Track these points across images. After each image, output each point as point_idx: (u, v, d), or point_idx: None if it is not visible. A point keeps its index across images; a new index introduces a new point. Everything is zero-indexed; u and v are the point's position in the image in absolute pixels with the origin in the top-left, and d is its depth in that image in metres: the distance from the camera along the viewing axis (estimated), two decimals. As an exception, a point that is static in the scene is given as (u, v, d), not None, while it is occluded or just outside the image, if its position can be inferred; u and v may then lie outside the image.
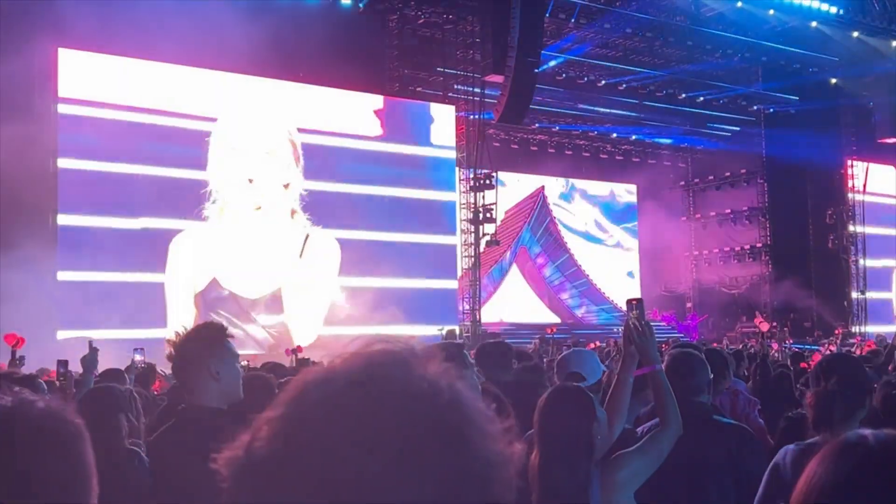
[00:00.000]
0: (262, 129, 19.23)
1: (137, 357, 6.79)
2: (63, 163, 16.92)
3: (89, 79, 17.18)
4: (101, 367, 5.85)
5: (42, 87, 16.86)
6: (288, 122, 19.52)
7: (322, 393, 0.85)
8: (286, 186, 19.32)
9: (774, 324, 22.62)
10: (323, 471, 0.80)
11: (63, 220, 16.86)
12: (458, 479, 0.82)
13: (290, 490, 0.81)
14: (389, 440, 0.81)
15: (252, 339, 18.07)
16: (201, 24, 15.66)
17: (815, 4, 23.15)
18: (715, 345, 12.57)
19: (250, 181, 18.85)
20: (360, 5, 19.69)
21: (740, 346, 14.24)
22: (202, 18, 15.63)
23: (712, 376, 3.89)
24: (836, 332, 21.20)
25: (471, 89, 21.44)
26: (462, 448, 0.83)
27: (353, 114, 20.27)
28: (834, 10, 23.53)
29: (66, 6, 15.60)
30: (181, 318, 16.60)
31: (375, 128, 20.55)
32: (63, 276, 16.42)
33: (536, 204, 28.28)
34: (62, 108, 17.01)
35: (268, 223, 19.11)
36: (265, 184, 19.06)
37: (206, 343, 2.93)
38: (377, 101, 20.75)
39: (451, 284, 21.76)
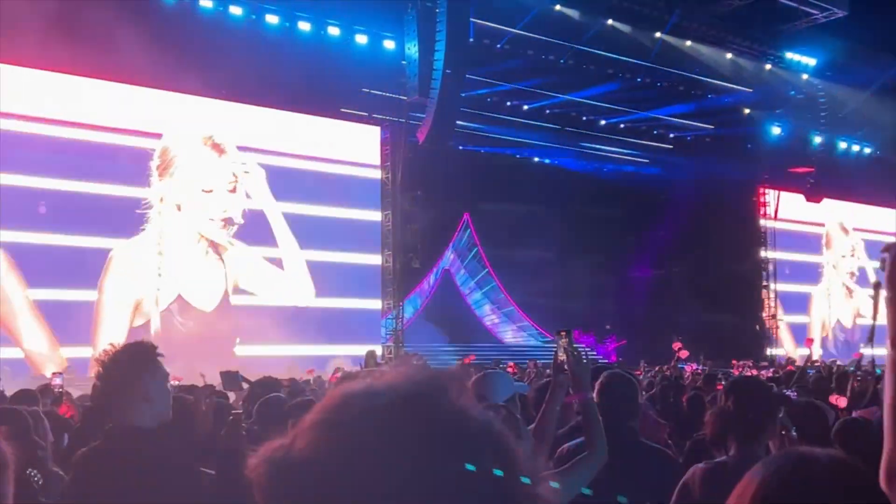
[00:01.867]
0: (205, 152, 19.07)
1: (56, 381, 6.61)
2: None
3: (29, 95, 16.75)
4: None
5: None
6: (227, 140, 19.34)
7: (368, 405, 0.90)
8: (226, 211, 19.16)
9: (684, 349, 23.05)
10: (363, 476, 0.85)
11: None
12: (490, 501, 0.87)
13: (329, 492, 0.86)
14: (430, 455, 0.86)
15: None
16: (140, 41, 15.49)
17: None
18: (639, 372, 12.80)
19: (185, 205, 18.64)
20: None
21: (656, 369, 14.54)
22: (141, 36, 15.47)
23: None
24: (741, 363, 21.52)
25: (397, 111, 21.53)
26: (494, 475, 0.87)
27: (282, 132, 20.18)
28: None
29: (5, 21, 15.16)
30: (122, 334, 16.31)
31: (307, 147, 20.52)
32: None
33: (461, 228, 28.42)
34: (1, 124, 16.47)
35: (206, 246, 18.96)
36: (207, 208, 18.93)
37: (138, 362, 2.91)
38: (304, 119, 20.68)
39: (375, 305, 21.71)
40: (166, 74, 16.87)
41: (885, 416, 1.55)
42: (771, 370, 16.37)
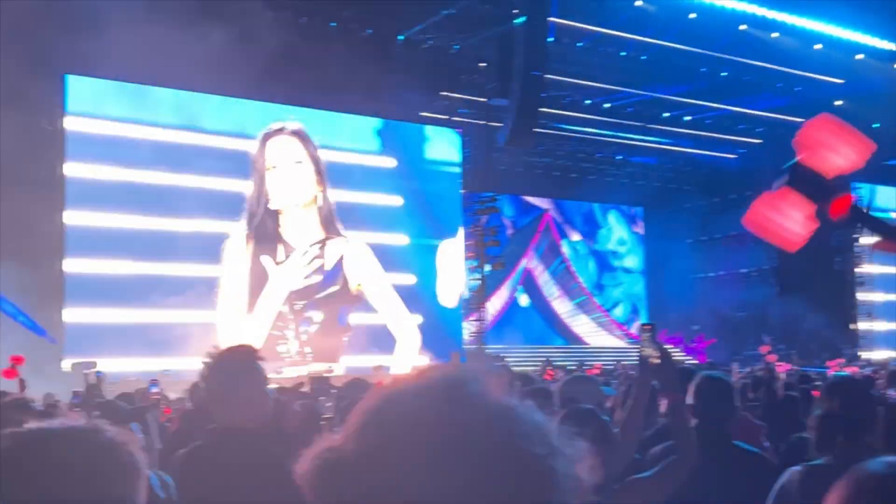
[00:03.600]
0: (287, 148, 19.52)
1: (153, 389, 6.83)
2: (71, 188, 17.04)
3: (97, 104, 17.34)
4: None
5: (51, 112, 16.94)
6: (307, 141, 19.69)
7: (414, 404, 0.95)
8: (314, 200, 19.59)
9: (772, 351, 22.49)
10: (409, 472, 0.90)
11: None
12: (535, 492, 0.91)
13: (379, 490, 0.91)
14: (478, 450, 0.91)
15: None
16: (205, 49, 15.81)
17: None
18: (737, 374, 12.45)
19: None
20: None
21: (748, 370, 14.20)
22: (205, 43, 15.79)
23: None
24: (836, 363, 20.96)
25: (476, 113, 21.52)
26: (535, 462, 0.92)
27: (361, 135, 20.39)
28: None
29: (75, 32, 15.66)
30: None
31: (384, 150, 20.69)
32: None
33: (543, 228, 28.30)
34: (70, 129, 17.16)
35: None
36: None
37: (240, 364, 2.99)
38: (381, 123, 20.85)
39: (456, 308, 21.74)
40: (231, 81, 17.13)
41: None
42: (870, 370, 15.76)
